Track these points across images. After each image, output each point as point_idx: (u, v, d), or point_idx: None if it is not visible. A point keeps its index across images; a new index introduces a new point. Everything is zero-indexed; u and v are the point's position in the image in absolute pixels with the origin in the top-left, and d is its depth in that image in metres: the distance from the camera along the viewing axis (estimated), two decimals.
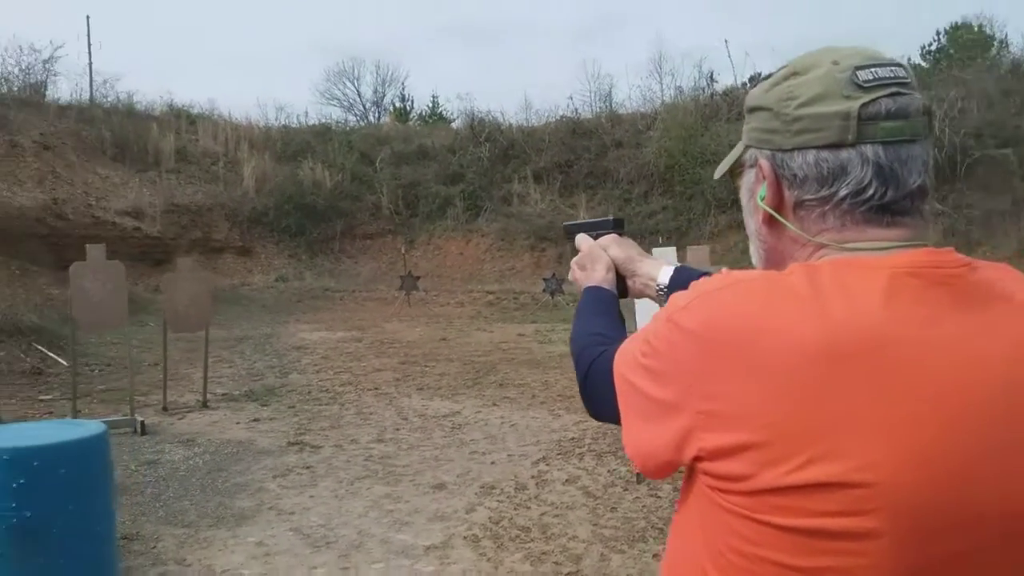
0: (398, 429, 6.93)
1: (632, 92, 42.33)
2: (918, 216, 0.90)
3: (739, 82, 22.08)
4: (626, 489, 5.17)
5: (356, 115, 30.97)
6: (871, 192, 0.88)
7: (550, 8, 53.37)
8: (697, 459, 0.84)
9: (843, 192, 0.89)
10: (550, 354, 10.81)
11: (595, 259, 1.39)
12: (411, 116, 29.09)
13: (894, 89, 0.89)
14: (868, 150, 0.88)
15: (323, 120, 26.51)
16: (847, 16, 47.76)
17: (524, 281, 18.28)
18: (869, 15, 47.18)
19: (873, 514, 0.77)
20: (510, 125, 22.84)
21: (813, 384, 0.79)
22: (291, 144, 22.50)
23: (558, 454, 6.06)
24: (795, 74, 0.94)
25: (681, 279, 1.29)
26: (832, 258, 0.89)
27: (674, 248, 5.87)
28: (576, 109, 23.52)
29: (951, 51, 22.27)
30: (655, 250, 5.65)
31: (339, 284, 19.15)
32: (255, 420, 7.31)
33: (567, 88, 58.98)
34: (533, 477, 5.52)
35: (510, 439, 6.56)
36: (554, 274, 16.53)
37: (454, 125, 25.72)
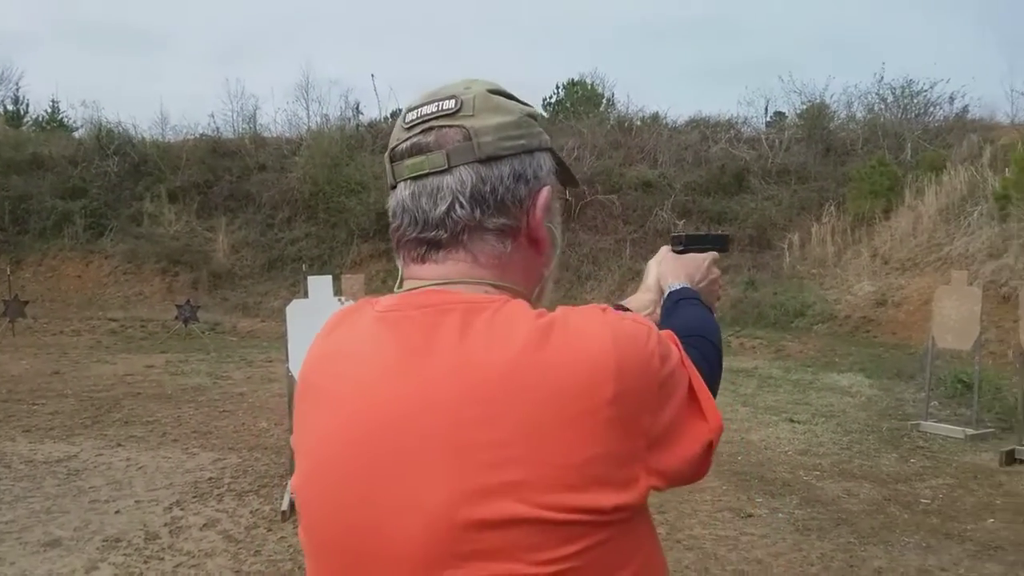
0: None
1: (278, 116, 41.08)
2: (460, 248, 0.91)
3: (382, 116, 22.62)
4: (270, 529, 4.94)
5: None
6: (401, 228, 0.93)
7: (190, 19, 50.24)
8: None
9: (391, 229, 0.95)
10: (183, 387, 10.06)
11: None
12: (25, 121, 25.50)
13: (429, 125, 0.91)
14: (400, 188, 0.93)
15: None
16: (482, 59, 51.04)
17: (153, 308, 16.88)
18: (500, 62, 50.80)
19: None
20: (143, 139, 21.01)
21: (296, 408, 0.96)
22: None
23: (194, 497, 5.63)
24: None
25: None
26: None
27: (330, 277, 5.76)
28: (218, 128, 22.30)
29: (568, 104, 24.63)
30: (310, 279, 5.49)
31: None
32: None
33: (208, 106, 55.96)
34: (166, 524, 5.07)
35: (138, 483, 5.97)
36: (188, 300, 15.49)
37: (77, 135, 22.91)
